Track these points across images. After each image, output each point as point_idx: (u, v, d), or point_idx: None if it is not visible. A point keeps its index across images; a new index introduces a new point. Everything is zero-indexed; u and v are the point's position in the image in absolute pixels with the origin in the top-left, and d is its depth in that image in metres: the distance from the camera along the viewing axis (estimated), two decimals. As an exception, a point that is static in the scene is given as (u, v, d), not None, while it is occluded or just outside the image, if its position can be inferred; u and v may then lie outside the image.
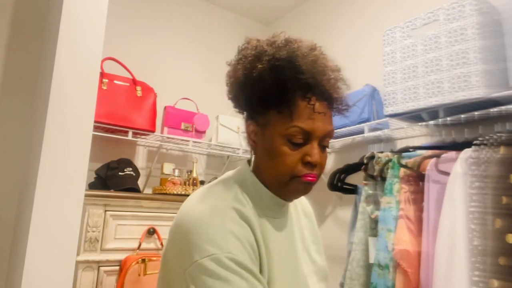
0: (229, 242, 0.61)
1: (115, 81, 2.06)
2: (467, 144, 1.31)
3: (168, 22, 2.56)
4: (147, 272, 1.68)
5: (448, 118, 1.44)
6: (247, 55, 0.74)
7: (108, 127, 1.98)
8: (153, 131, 2.13)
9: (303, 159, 0.68)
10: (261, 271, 0.64)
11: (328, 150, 0.74)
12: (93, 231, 1.68)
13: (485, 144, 1.20)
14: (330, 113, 0.71)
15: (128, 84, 2.09)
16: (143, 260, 1.69)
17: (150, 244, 1.80)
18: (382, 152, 1.65)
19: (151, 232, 1.81)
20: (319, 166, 0.70)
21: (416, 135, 1.78)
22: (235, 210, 0.66)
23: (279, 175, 0.70)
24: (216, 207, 0.67)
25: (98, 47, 1.29)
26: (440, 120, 1.47)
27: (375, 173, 1.60)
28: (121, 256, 1.72)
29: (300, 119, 0.67)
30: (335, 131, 1.93)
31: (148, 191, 2.23)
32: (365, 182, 1.65)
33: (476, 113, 1.37)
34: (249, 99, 0.73)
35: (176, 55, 2.56)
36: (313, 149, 0.68)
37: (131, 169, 2.00)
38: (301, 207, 0.87)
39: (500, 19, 1.38)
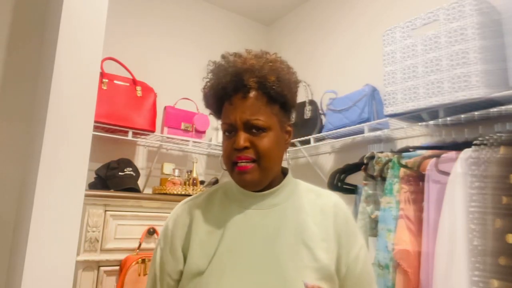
0: (162, 234, 0.88)
1: (115, 81, 2.06)
2: (467, 144, 1.31)
3: (168, 22, 2.56)
4: (147, 272, 1.68)
5: (448, 118, 1.44)
6: None
7: (108, 127, 1.98)
8: (153, 131, 2.13)
9: (233, 146, 0.80)
10: (189, 246, 0.82)
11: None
12: (93, 231, 1.68)
13: (485, 144, 1.20)
14: (252, 102, 0.81)
15: (128, 84, 2.09)
16: (143, 260, 1.69)
17: (150, 244, 1.80)
18: (382, 152, 1.65)
19: (151, 232, 1.81)
20: (253, 149, 0.80)
21: (416, 135, 1.78)
22: (184, 205, 0.89)
23: (225, 164, 0.84)
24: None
25: (98, 47, 1.29)
26: (440, 120, 1.47)
27: (375, 173, 1.60)
28: (121, 256, 1.72)
29: (225, 116, 0.83)
30: (336, 131, 1.94)
31: (148, 191, 2.23)
32: (365, 182, 1.65)
33: (476, 113, 1.37)
34: (212, 114, 0.91)
35: (176, 55, 2.56)
36: (237, 136, 0.80)
37: (131, 169, 2.00)
38: (319, 205, 0.87)
39: (500, 19, 1.38)
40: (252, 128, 0.80)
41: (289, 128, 0.89)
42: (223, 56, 0.87)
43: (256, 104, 0.80)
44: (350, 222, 0.87)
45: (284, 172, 0.90)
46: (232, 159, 0.81)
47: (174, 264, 0.83)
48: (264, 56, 0.85)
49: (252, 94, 0.81)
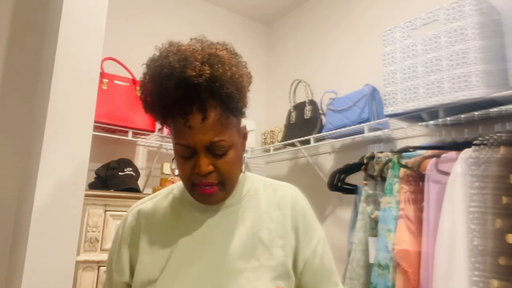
0: (113, 240, 0.86)
1: (115, 81, 2.06)
2: (467, 144, 1.31)
3: (168, 21, 2.56)
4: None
5: (448, 118, 1.44)
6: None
7: (108, 127, 1.98)
8: (153, 131, 2.13)
9: (194, 170, 0.72)
10: (138, 254, 0.79)
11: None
12: (93, 231, 1.68)
13: (485, 144, 1.20)
14: (213, 122, 0.70)
15: (128, 84, 2.09)
16: (143, 260, 1.69)
17: (150, 244, 1.80)
18: (382, 152, 1.65)
19: (151, 232, 1.81)
20: (216, 172, 0.73)
21: (416, 135, 1.78)
22: (134, 210, 0.85)
23: (183, 182, 0.77)
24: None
25: (98, 47, 1.29)
26: (440, 120, 1.47)
27: (375, 173, 1.60)
28: (121, 256, 1.72)
29: (180, 136, 0.71)
30: (336, 131, 1.94)
31: (148, 191, 2.23)
32: (365, 182, 1.65)
33: (476, 113, 1.37)
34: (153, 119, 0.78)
35: (176, 55, 2.55)
36: (199, 159, 0.71)
37: (131, 169, 2.00)
38: (276, 200, 0.84)
39: (500, 19, 1.38)
40: (214, 150, 0.72)
41: (244, 131, 0.82)
42: (165, 56, 0.72)
43: (218, 124, 0.70)
44: (307, 214, 0.85)
45: None
46: (193, 181, 0.74)
47: (118, 275, 0.81)
48: (215, 56, 0.71)
49: (212, 113, 0.69)
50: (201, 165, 0.71)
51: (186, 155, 0.73)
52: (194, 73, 0.67)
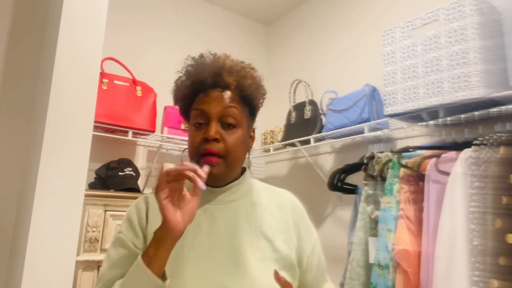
0: (123, 225, 0.85)
1: (115, 81, 2.06)
2: (467, 144, 1.31)
3: (168, 22, 2.56)
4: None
5: (448, 118, 1.44)
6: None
7: (108, 127, 1.98)
8: (153, 131, 2.13)
9: (203, 137, 0.80)
10: (146, 238, 0.81)
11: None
12: (93, 231, 1.68)
13: (485, 144, 1.20)
14: (228, 97, 0.83)
15: (128, 84, 2.09)
16: (143, 260, 1.69)
17: (150, 244, 1.80)
18: (382, 152, 1.65)
19: (151, 232, 1.81)
20: (222, 143, 0.80)
21: (416, 135, 1.78)
22: (143, 197, 0.89)
23: (190, 157, 0.83)
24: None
25: (98, 47, 1.29)
26: (440, 120, 1.47)
27: (375, 173, 1.60)
28: (121, 256, 1.72)
29: (198, 103, 0.84)
30: (336, 131, 1.94)
31: (148, 191, 2.23)
32: (365, 182, 1.65)
33: (476, 113, 1.37)
34: (180, 108, 0.90)
35: (176, 55, 2.56)
36: (210, 126, 0.80)
37: (131, 169, 2.00)
38: (276, 201, 0.91)
39: (500, 19, 1.38)
40: (224, 122, 0.81)
41: (252, 134, 0.92)
42: (201, 55, 0.89)
43: (231, 100, 0.83)
44: (305, 216, 0.93)
45: (241, 171, 0.92)
46: (199, 151, 0.80)
47: (136, 239, 0.81)
48: (240, 62, 0.89)
49: (229, 92, 0.83)
50: (211, 130, 0.79)
51: (200, 122, 0.82)
52: (221, 61, 0.85)
